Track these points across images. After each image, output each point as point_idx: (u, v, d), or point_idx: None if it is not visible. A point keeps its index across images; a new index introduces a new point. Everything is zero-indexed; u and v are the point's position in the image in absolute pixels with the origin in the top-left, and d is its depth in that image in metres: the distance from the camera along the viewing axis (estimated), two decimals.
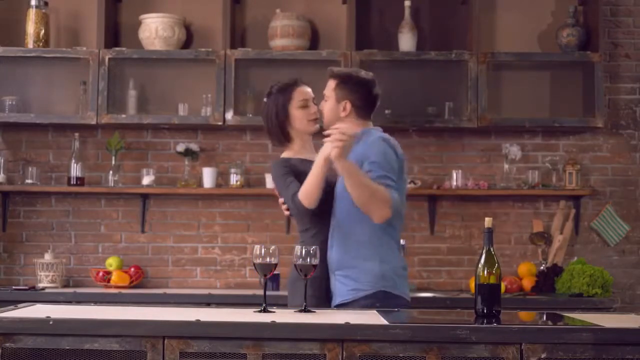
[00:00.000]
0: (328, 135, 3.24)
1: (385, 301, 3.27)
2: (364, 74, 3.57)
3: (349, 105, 3.48)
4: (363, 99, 3.50)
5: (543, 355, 2.54)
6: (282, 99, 3.57)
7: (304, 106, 3.57)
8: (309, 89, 3.64)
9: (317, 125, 3.59)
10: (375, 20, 5.19)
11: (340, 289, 3.36)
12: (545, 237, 5.03)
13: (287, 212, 3.58)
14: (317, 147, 3.82)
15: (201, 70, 5.01)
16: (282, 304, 3.37)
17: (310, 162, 3.41)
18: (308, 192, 3.36)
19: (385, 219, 3.28)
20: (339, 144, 3.21)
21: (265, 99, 3.66)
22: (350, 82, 3.50)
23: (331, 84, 3.53)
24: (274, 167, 3.56)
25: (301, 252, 2.90)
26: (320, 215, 3.44)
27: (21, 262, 5.14)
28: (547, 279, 4.81)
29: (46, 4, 5.05)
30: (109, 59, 4.90)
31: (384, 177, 3.28)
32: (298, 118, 3.56)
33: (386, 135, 3.47)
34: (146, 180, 5.03)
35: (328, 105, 3.52)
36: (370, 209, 3.26)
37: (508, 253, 5.13)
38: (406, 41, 5.02)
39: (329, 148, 3.23)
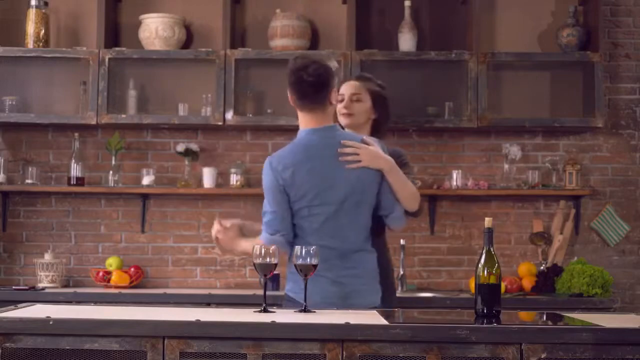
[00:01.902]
0: None
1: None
2: (291, 61, 3.35)
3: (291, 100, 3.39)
4: (290, 87, 3.32)
5: (543, 355, 2.54)
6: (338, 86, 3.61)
7: (340, 100, 3.70)
8: (350, 86, 3.76)
9: (347, 121, 3.68)
10: (375, 20, 5.19)
11: None
12: (545, 237, 5.03)
13: None
14: None
15: (201, 70, 5.01)
16: (282, 303, 3.37)
17: None
18: None
19: None
20: None
21: None
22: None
23: None
24: None
25: (301, 251, 2.90)
26: None
27: (21, 262, 5.14)
28: (547, 279, 4.80)
29: (46, 4, 5.04)
30: (109, 59, 4.90)
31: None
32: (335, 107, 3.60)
33: (276, 154, 3.31)
34: (146, 180, 5.03)
35: None
36: None
37: (508, 253, 5.12)
38: (406, 41, 5.02)
39: None
